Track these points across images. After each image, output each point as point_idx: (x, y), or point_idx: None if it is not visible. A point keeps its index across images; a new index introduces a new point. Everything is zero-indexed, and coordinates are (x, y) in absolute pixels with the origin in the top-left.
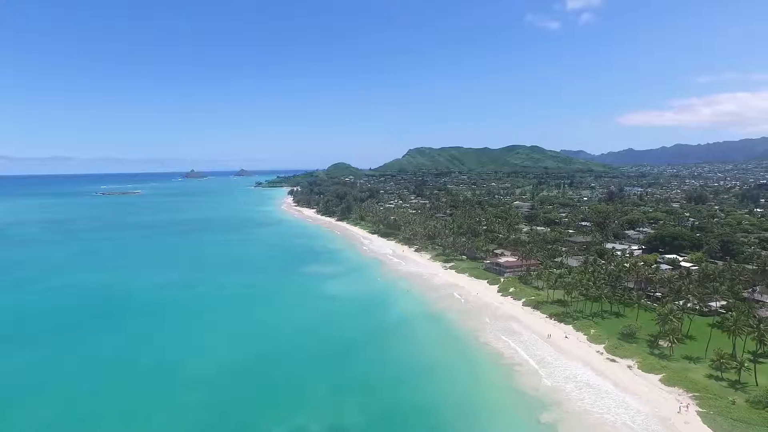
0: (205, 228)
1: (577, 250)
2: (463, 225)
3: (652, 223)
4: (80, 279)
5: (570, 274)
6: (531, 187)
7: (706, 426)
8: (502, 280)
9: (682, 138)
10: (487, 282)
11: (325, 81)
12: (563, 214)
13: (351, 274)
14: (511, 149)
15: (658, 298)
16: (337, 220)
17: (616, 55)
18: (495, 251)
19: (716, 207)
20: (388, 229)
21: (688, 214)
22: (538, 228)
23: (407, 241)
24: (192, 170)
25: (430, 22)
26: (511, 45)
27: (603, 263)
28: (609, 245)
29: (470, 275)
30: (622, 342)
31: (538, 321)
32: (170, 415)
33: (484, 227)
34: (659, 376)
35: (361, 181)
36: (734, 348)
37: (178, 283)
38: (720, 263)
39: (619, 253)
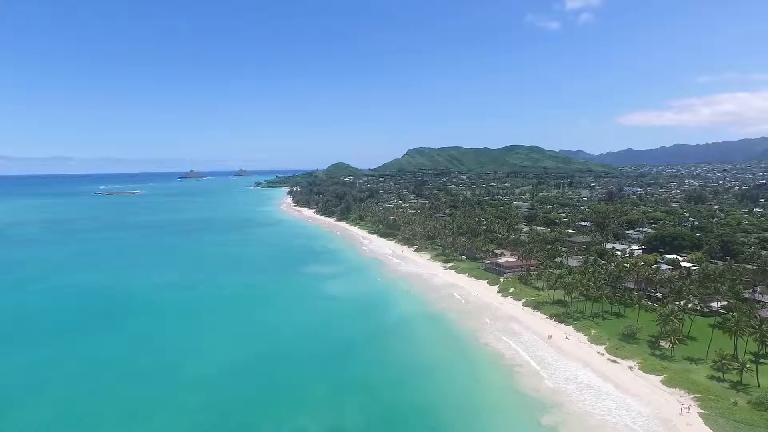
0: (204, 228)
1: (577, 250)
2: (462, 225)
3: (651, 223)
4: (80, 279)
5: (570, 275)
6: (530, 187)
7: (708, 428)
8: (502, 280)
9: (682, 138)
10: (487, 282)
11: (325, 81)
12: (563, 214)
13: (351, 274)
14: (511, 149)
15: (658, 299)
16: (337, 220)
17: (615, 55)
18: (495, 251)
19: (716, 207)
20: (387, 229)
21: (687, 214)
22: (538, 228)
23: (407, 241)
24: (191, 170)
25: (430, 22)
26: (510, 45)
27: (603, 263)
28: (609, 245)
29: (470, 275)
30: (622, 343)
31: (539, 321)
32: (170, 416)
33: (484, 227)
34: (660, 377)
35: (361, 181)
36: (736, 349)
37: (178, 283)
38: (720, 263)
39: (619, 253)
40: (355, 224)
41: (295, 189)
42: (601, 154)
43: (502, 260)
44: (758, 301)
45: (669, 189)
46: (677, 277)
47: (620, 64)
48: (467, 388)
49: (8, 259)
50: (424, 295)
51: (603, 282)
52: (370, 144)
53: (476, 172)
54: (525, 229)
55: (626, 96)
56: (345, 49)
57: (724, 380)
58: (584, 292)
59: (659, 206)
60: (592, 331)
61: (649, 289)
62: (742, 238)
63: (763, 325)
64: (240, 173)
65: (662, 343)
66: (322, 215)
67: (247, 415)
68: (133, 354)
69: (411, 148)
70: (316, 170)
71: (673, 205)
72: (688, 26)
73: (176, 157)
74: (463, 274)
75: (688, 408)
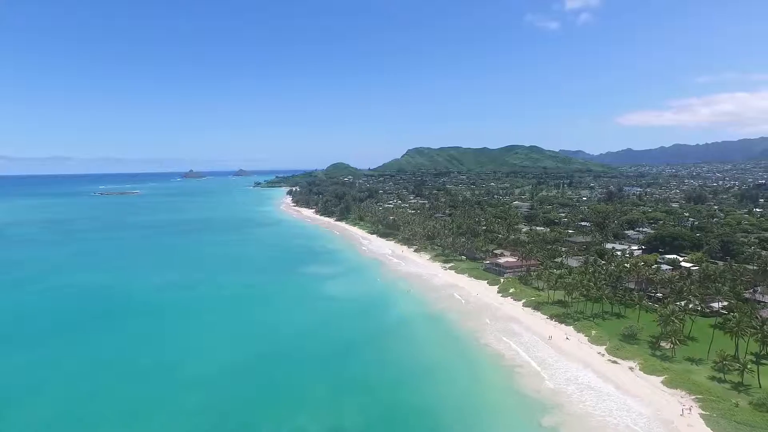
0: (204, 228)
1: (577, 251)
2: (462, 225)
3: (651, 223)
4: (80, 279)
5: (570, 275)
6: (530, 187)
7: (709, 429)
8: (502, 280)
9: (681, 138)
10: (487, 282)
11: (325, 81)
12: (562, 214)
13: (350, 274)
14: (510, 149)
15: (659, 299)
16: (336, 220)
17: (615, 55)
18: (495, 251)
19: (715, 207)
20: (387, 230)
21: (687, 214)
22: (538, 228)
23: (406, 242)
24: (191, 170)
25: (430, 22)
26: (510, 45)
27: (603, 264)
28: (609, 245)
29: (470, 276)
30: (623, 343)
31: (539, 322)
32: (170, 416)
33: (484, 227)
34: (661, 378)
35: (360, 181)
36: (737, 349)
37: (178, 283)
38: (720, 263)
39: (619, 253)
40: (354, 224)
41: (294, 189)
42: (601, 154)
43: (502, 260)
44: (759, 302)
45: (668, 189)
46: (678, 277)
47: (619, 64)
48: (467, 389)
49: (8, 259)
50: (423, 296)
51: (603, 282)
52: (370, 144)
53: (476, 172)
54: (525, 229)
55: (625, 96)
56: (345, 49)
57: (725, 381)
58: (584, 293)
59: (659, 206)
60: (593, 332)
61: (649, 289)
62: (742, 238)
63: (764, 326)
64: (239, 173)
65: (663, 344)
66: (321, 215)
67: (246, 415)
68: (132, 354)
69: (410, 148)
70: (316, 170)
71: (673, 205)
72: (688, 26)
73: (176, 157)
74: (463, 274)
75: (689, 409)
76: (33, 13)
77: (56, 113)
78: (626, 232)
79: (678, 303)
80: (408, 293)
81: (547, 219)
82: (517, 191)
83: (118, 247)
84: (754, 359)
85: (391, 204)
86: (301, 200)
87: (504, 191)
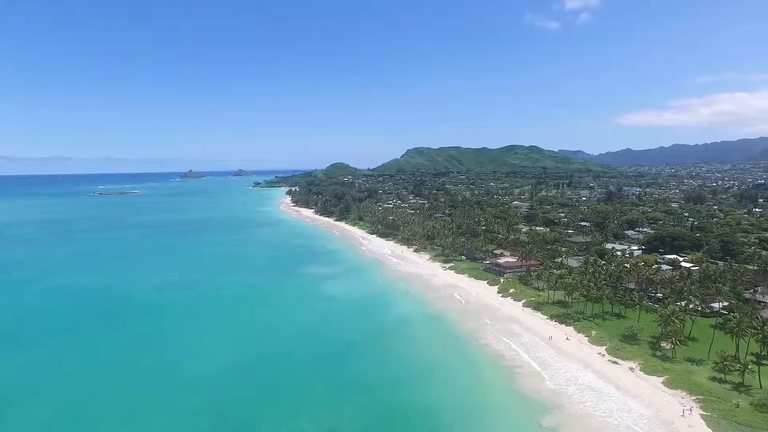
0: (203, 228)
1: (577, 251)
2: (462, 225)
3: (651, 223)
4: (79, 279)
5: (570, 275)
6: (530, 187)
7: (710, 430)
8: (502, 280)
9: (681, 138)
10: (487, 283)
11: (325, 81)
12: (562, 214)
13: (350, 274)
14: (510, 149)
15: (659, 299)
16: (336, 220)
17: (614, 55)
18: (494, 251)
19: (715, 207)
20: (386, 230)
21: (687, 214)
22: (538, 228)
23: (406, 242)
24: (190, 170)
25: (430, 22)
26: (510, 45)
27: (603, 264)
28: (609, 245)
29: (470, 276)
30: (623, 344)
31: (539, 322)
32: (170, 416)
33: (483, 227)
34: (662, 379)
35: (360, 181)
36: (737, 350)
37: (178, 283)
38: (720, 263)
39: (619, 253)
40: (354, 224)
41: (294, 189)
42: (600, 154)
43: (501, 260)
44: (759, 302)
45: (668, 189)
46: (678, 277)
47: (619, 64)
48: (467, 389)
49: (7, 259)
50: (423, 296)
51: (603, 282)
52: (370, 144)
53: (475, 172)
54: (524, 229)
55: (625, 96)
56: (345, 49)
57: (725, 381)
58: (585, 293)
59: (658, 206)
60: (593, 332)
61: (649, 289)
62: (741, 238)
63: (765, 326)
64: (239, 173)
65: (663, 344)
66: (321, 215)
67: (246, 415)
68: (132, 354)
69: (410, 148)
70: (316, 170)
71: (673, 205)
72: (687, 26)
73: (175, 157)
74: (463, 274)
75: (690, 410)
76: (33, 13)
77: (56, 113)
78: (626, 232)
79: (678, 303)
80: (408, 293)
81: (546, 219)
82: (516, 191)
83: (117, 247)
84: (755, 360)
85: (390, 204)
86: (300, 200)
87: (503, 191)
